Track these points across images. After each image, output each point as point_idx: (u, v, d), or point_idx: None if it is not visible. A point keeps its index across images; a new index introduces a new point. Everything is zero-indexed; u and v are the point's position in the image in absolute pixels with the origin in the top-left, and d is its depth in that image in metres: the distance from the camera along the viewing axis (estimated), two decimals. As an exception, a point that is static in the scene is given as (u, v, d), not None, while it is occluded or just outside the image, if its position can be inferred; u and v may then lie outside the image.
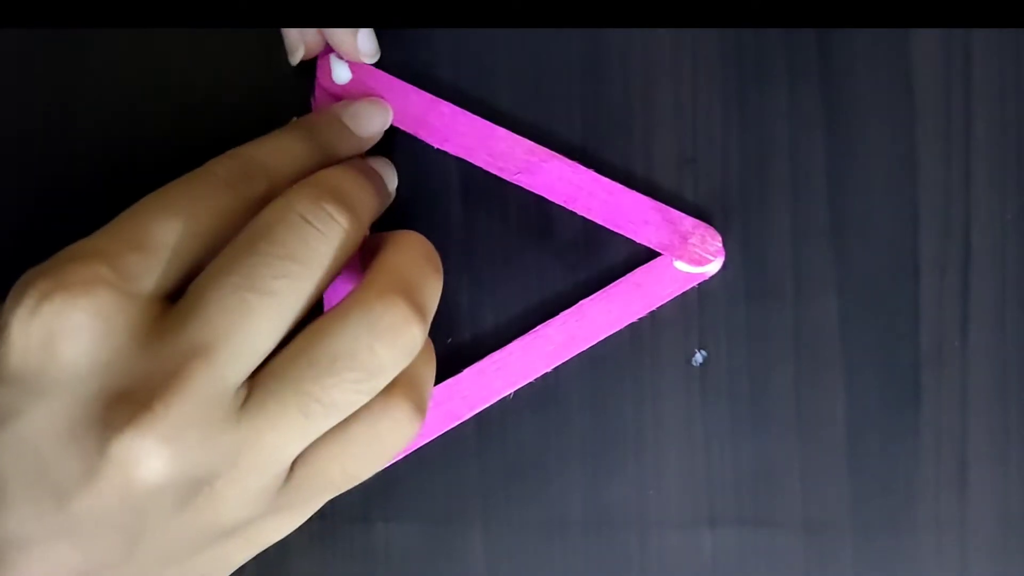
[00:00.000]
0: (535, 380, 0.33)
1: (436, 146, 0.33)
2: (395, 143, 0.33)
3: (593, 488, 0.33)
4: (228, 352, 0.24)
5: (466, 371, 0.33)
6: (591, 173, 0.32)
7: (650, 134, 0.33)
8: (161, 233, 0.25)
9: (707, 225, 0.33)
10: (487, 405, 0.33)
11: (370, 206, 0.28)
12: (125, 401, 0.24)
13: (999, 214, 0.33)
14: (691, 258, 0.33)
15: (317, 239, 0.25)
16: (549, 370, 0.33)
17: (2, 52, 0.33)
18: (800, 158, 0.33)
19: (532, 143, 0.33)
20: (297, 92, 0.33)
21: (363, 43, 0.31)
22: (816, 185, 0.33)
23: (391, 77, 0.32)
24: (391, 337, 0.25)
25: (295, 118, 0.32)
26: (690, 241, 0.33)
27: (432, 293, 0.27)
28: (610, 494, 0.33)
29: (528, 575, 0.34)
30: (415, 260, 0.27)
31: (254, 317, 0.24)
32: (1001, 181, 0.33)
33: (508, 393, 0.33)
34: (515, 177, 0.32)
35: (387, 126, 0.32)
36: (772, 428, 0.33)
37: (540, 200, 0.33)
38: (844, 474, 0.33)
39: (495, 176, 0.33)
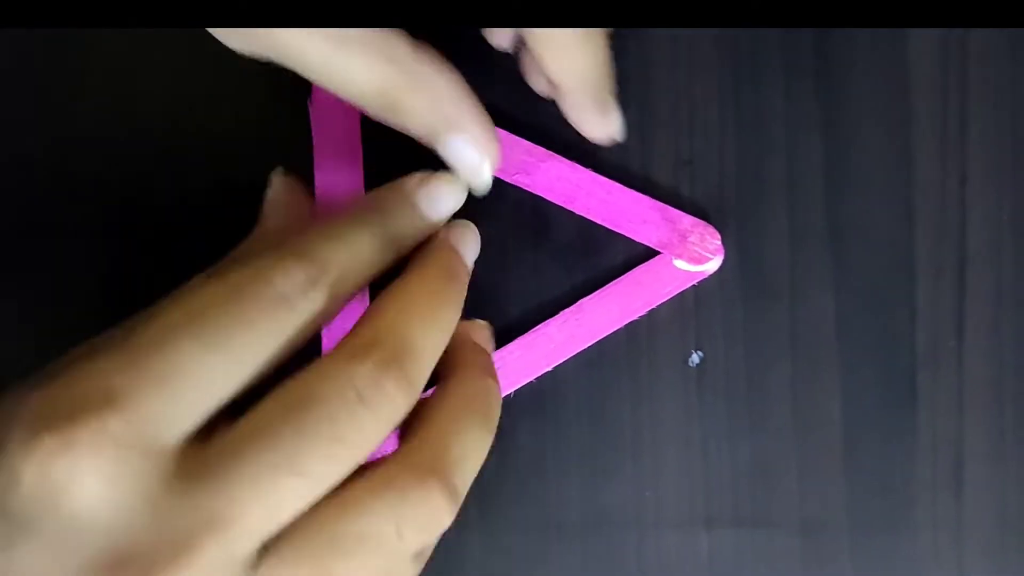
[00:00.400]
0: (532, 381, 0.33)
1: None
2: (391, 144, 0.33)
3: (590, 489, 0.33)
4: (247, 528, 0.22)
5: None
6: (589, 172, 0.32)
7: (647, 136, 0.33)
8: (194, 371, 0.22)
9: (706, 223, 0.33)
10: None
11: (439, 348, 0.25)
12: (124, 567, 0.22)
13: (995, 215, 0.33)
14: (690, 256, 0.33)
15: (371, 421, 0.23)
16: (549, 369, 0.33)
17: (1, 52, 0.33)
18: (797, 159, 0.33)
19: (530, 143, 0.32)
20: (298, 90, 0.33)
21: (613, 124, 0.29)
22: (812, 186, 0.33)
23: None
24: (421, 524, 0.23)
25: (278, 170, 0.31)
26: (689, 239, 0.33)
27: (475, 467, 0.25)
28: (607, 495, 0.33)
29: (526, 576, 0.33)
30: (469, 429, 0.25)
31: (285, 495, 0.22)
32: (997, 182, 0.33)
33: (508, 393, 0.33)
34: (513, 178, 0.32)
35: (461, 204, 0.28)
36: (769, 428, 0.33)
37: (537, 201, 0.33)
38: (841, 474, 0.33)
39: (493, 177, 0.32)
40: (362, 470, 0.24)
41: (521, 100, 0.33)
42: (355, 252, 0.25)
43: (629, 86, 0.33)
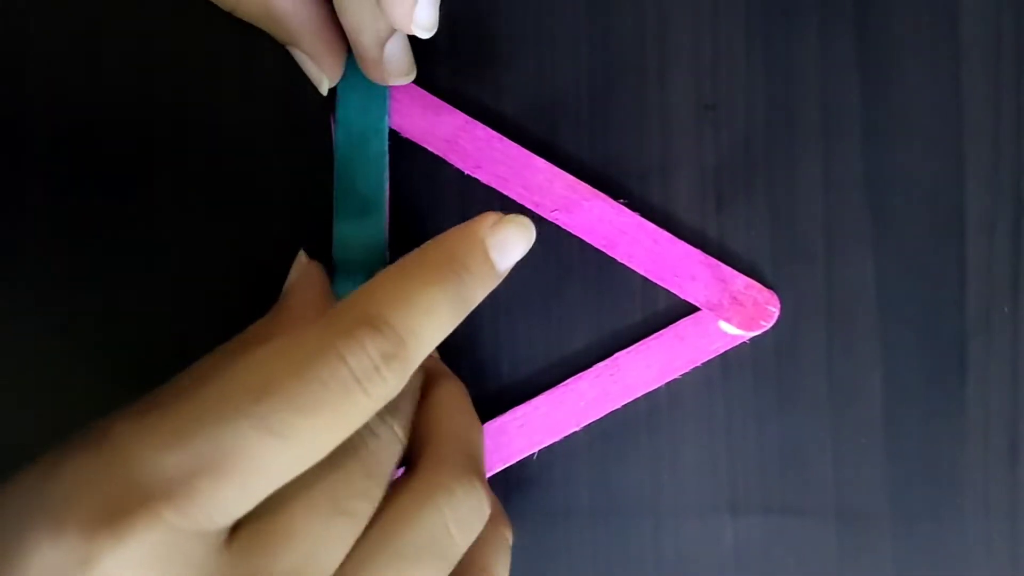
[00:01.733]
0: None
1: (467, 172, 0.31)
2: (420, 165, 0.31)
3: (602, 470, 0.32)
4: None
5: (486, 426, 0.31)
6: (636, 217, 0.31)
7: (666, 77, 0.32)
8: (253, 460, 0.21)
9: (761, 286, 0.31)
10: (507, 465, 0.31)
11: (436, 342, 0.25)
12: None
13: (1054, 165, 0.32)
14: (742, 322, 0.31)
15: (385, 451, 0.25)
16: (578, 429, 0.31)
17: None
18: (832, 103, 0.32)
19: (573, 178, 0.31)
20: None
21: (420, 13, 0.28)
22: (850, 134, 0.32)
23: (423, 91, 0.30)
24: (470, 521, 0.25)
25: (302, 254, 0.29)
26: (742, 304, 0.31)
27: (484, 456, 0.27)
28: (620, 477, 0.32)
29: (531, 567, 0.32)
30: (472, 424, 0.27)
31: (341, 542, 0.23)
32: (1057, 128, 0.32)
33: (532, 453, 0.31)
34: (552, 215, 0.31)
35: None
36: (801, 404, 0.32)
37: (570, 240, 0.31)
38: (881, 456, 0.32)
39: (529, 210, 0.31)
40: (399, 482, 0.25)
41: (524, 35, 0.31)
42: (434, 322, 0.24)
43: (644, 17, 0.32)
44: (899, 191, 0.32)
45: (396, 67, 0.29)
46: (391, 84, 0.29)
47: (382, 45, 0.29)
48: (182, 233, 0.31)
